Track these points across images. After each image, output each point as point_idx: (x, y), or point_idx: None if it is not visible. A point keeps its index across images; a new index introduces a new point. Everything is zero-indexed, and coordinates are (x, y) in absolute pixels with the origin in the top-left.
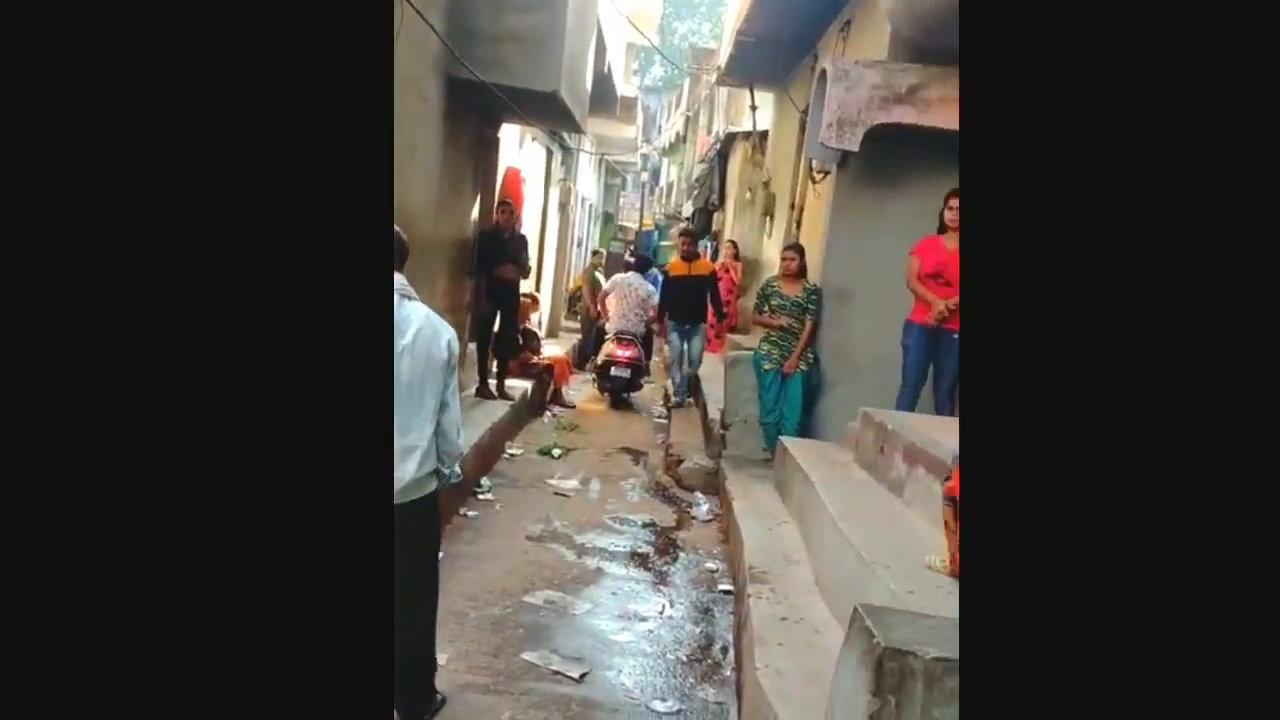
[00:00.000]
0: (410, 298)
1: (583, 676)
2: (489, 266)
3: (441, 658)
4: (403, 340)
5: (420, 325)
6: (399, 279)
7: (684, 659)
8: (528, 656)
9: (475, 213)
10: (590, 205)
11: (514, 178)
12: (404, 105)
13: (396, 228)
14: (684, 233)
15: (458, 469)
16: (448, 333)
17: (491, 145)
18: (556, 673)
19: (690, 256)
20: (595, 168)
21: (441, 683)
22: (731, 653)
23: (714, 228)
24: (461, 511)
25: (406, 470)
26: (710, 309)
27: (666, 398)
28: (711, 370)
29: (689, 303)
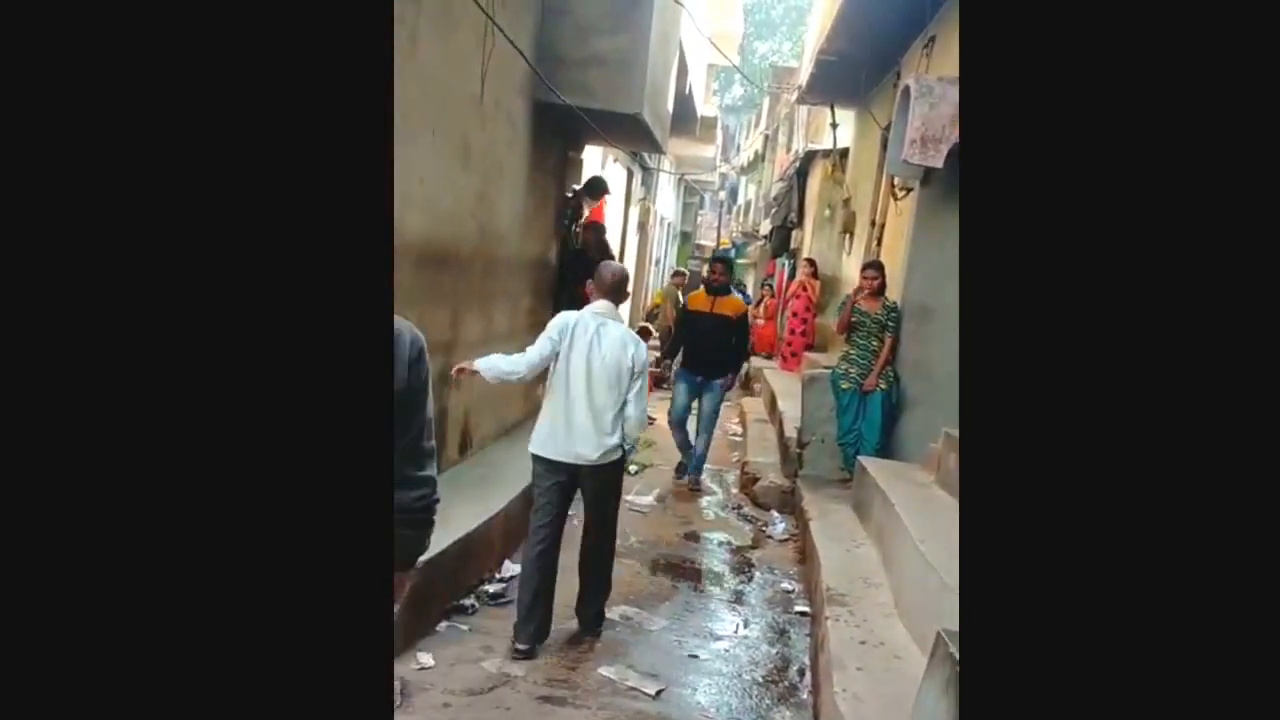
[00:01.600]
0: (613, 319)
1: (658, 693)
2: (573, 286)
3: (519, 669)
4: (599, 351)
5: (613, 340)
6: (607, 305)
7: (760, 680)
8: (604, 671)
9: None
10: (669, 224)
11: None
12: (493, 128)
13: (616, 265)
14: (716, 259)
15: (634, 443)
16: (634, 347)
17: (575, 166)
18: (632, 688)
19: (718, 290)
20: (674, 187)
21: (519, 694)
22: (808, 675)
23: (792, 245)
24: None
25: (605, 442)
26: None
27: (681, 468)
28: (787, 387)
29: (708, 349)
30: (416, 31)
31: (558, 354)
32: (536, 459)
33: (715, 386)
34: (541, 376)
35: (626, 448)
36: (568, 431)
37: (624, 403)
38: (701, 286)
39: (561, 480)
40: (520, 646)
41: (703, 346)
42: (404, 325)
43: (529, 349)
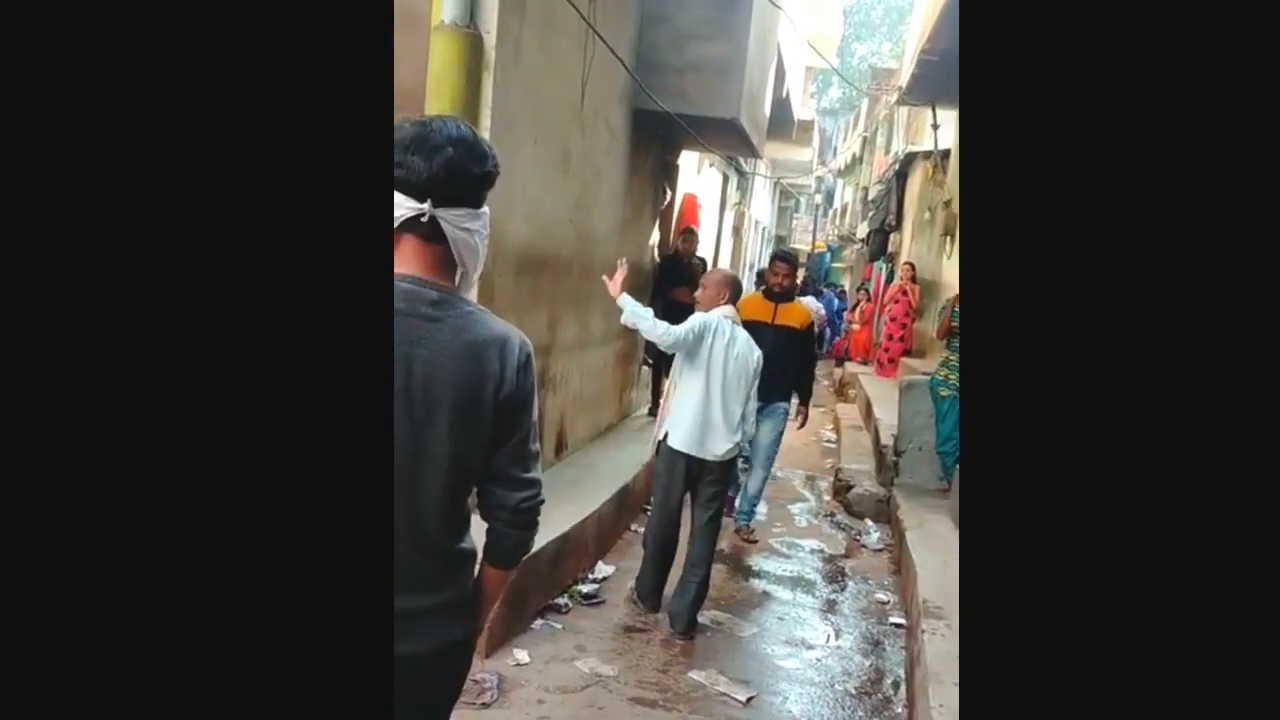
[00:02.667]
0: (736, 322)
1: (749, 700)
2: (666, 290)
3: (611, 669)
4: (734, 352)
5: (742, 342)
6: (731, 309)
7: (852, 691)
8: (695, 675)
9: (654, 238)
10: (763, 228)
11: (690, 203)
12: (592, 136)
13: (726, 271)
14: (779, 256)
15: (747, 444)
16: (758, 351)
17: (672, 171)
18: (723, 694)
19: (780, 296)
20: (769, 191)
21: (612, 695)
22: (903, 689)
23: (890, 249)
24: (632, 527)
25: (732, 439)
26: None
27: (729, 504)
28: (883, 393)
29: (766, 367)
30: (520, 42)
31: (694, 352)
32: (670, 450)
33: (778, 411)
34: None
35: (742, 445)
36: (704, 428)
37: (746, 400)
38: (759, 291)
39: (687, 474)
40: (645, 601)
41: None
42: (511, 331)
43: (674, 327)
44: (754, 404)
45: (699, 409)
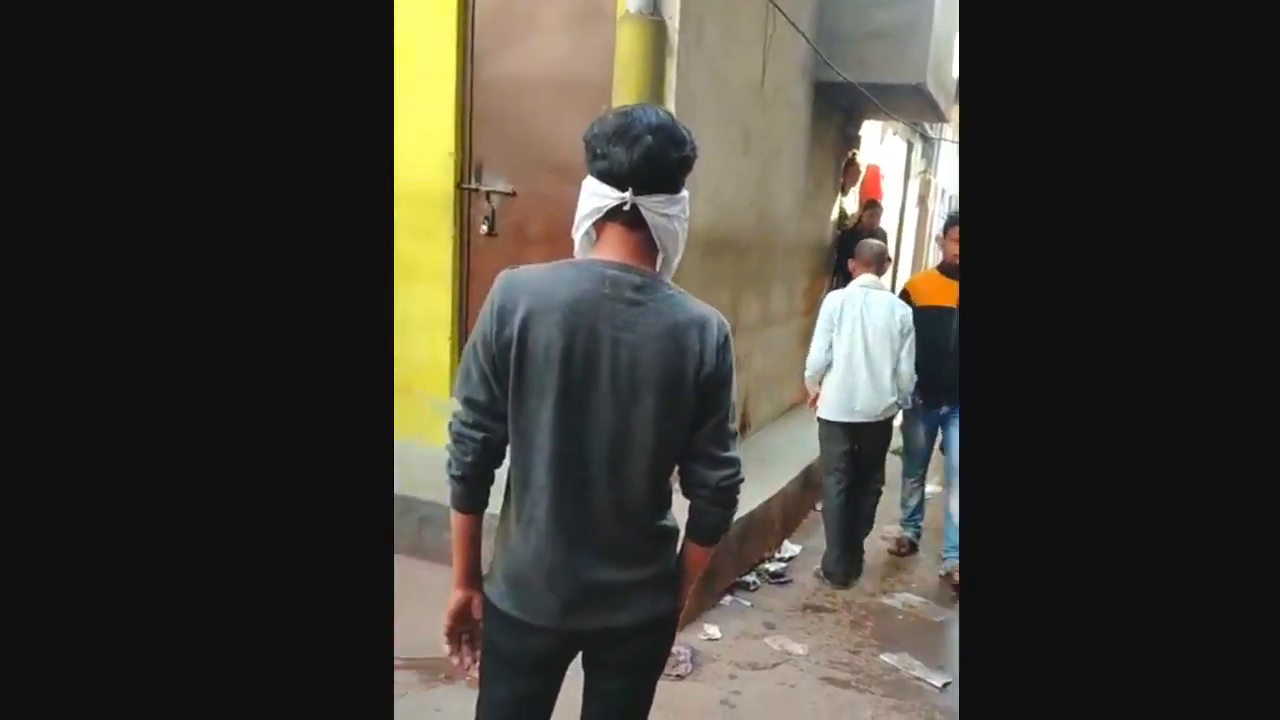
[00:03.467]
0: (876, 288)
1: (944, 686)
2: (848, 265)
3: (801, 648)
4: (870, 318)
5: (881, 307)
6: (871, 277)
7: None
8: (887, 658)
9: (835, 213)
10: (950, 197)
11: (874, 175)
12: (772, 113)
13: (875, 241)
14: (955, 220)
15: (907, 399)
16: (900, 309)
17: (853, 144)
18: (918, 679)
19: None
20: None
21: (802, 673)
22: None
23: None
24: (816, 507)
25: (884, 400)
26: None
27: (899, 544)
28: None
29: (949, 363)
30: (703, 25)
31: (835, 332)
32: (825, 423)
33: None
34: None
35: (901, 403)
36: (850, 394)
37: (898, 361)
38: (935, 267)
39: (848, 443)
40: (832, 579)
41: (940, 360)
42: (711, 312)
43: (812, 347)
44: (912, 361)
45: (843, 376)
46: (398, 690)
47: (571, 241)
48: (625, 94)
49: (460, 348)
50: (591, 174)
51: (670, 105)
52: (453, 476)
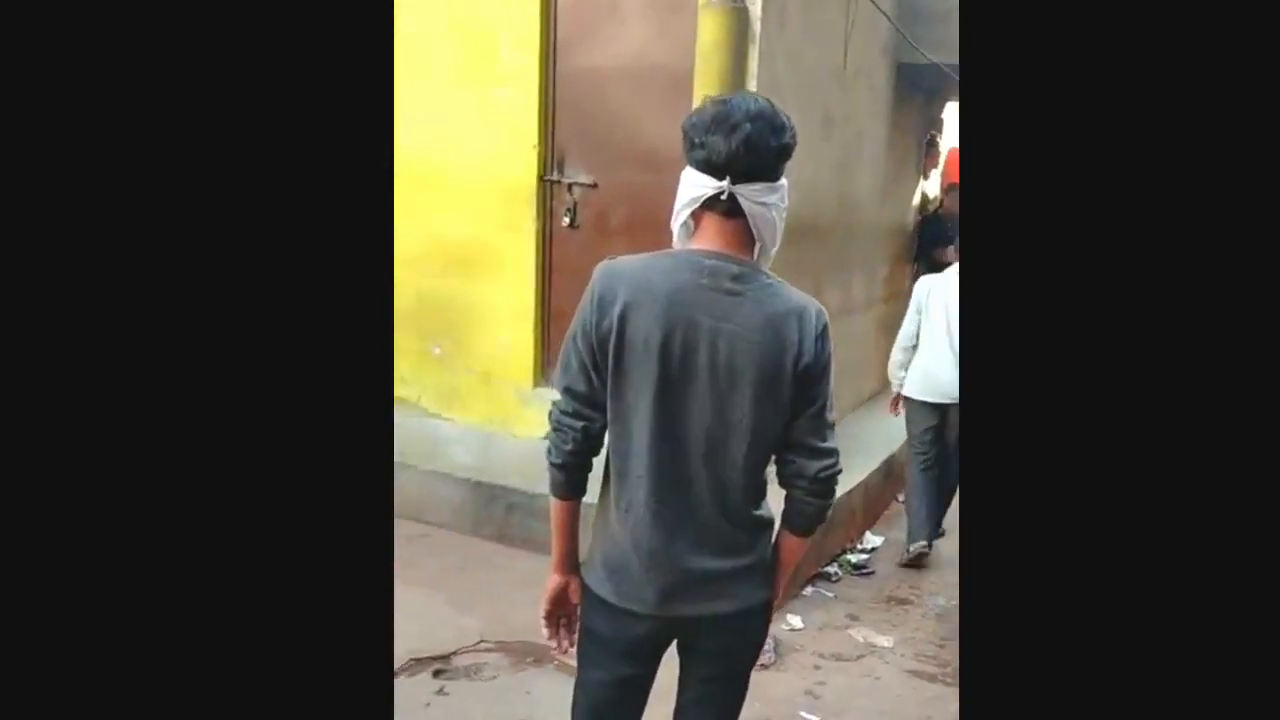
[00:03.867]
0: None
1: None
2: (929, 251)
3: (886, 640)
4: (940, 301)
5: (944, 294)
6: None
7: None
8: None
9: (916, 198)
10: None
11: (955, 160)
12: (853, 96)
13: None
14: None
15: None
16: None
17: (935, 126)
18: None
19: None
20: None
21: (888, 665)
22: None
23: None
24: (899, 498)
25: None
26: None
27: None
28: None
29: None
30: (785, 9)
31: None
32: (910, 401)
33: None
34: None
35: None
36: (936, 375)
37: None
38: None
39: (933, 419)
40: (918, 546)
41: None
42: (809, 301)
43: (901, 332)
44: None
45: (928, 359)
46: (489, 673)
47: (650, 233)
48: (706, 83)
49: (542, 338)
50: (690, 164)
51: None
52: (552, 464)
